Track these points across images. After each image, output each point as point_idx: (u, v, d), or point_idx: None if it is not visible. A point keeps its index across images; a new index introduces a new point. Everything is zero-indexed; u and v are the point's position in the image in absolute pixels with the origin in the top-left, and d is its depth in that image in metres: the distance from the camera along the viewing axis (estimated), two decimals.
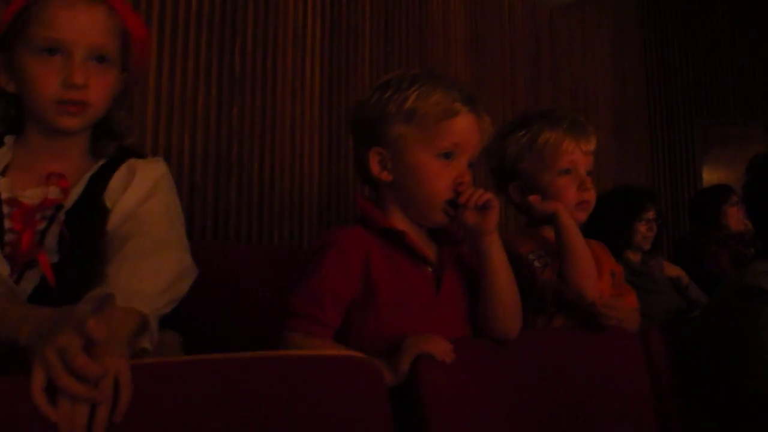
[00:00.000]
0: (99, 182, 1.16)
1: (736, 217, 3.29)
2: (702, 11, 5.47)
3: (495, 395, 1.14)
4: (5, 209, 1.10)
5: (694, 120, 5.35)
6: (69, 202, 1.13)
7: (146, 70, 1.28)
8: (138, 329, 0.92)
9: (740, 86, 5.48)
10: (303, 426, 0.87)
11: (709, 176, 5.23)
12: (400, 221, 1.26)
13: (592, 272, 1.47)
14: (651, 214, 2.81)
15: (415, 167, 1.23)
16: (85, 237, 1.10)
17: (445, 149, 1.23)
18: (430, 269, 1.25)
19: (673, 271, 2.90)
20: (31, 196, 1.12)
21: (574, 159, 1.59)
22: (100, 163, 1.20)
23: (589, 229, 1.93)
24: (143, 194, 1.15)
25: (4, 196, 1.11)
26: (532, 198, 1.58)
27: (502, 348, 1.23)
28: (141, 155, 1.25)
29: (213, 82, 2.37)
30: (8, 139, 1.19)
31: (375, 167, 1.26)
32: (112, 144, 1.22)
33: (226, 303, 1.80)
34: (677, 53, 5.41)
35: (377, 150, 1.25)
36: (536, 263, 1.53)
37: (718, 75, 5.45)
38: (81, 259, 1.09)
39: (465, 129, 1.25)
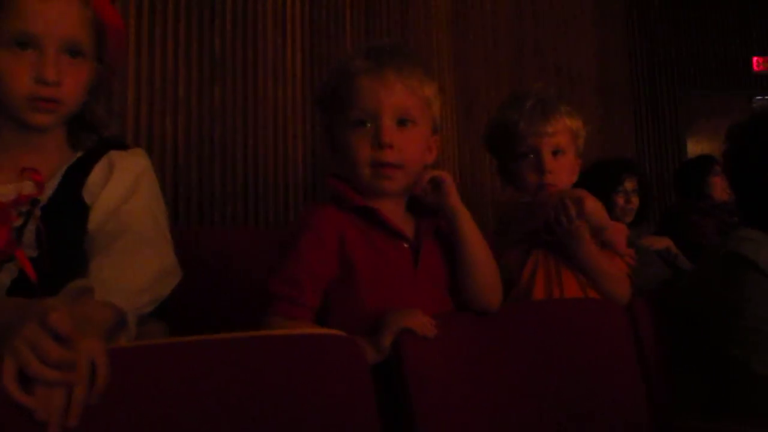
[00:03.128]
0: (77, 175, 1.14)
1: (720, 187, 3.31)
2: None
3: (480, 368, 1.14)
4: None
5: (678, 92, 5.37)
6: (45, 197, 1.11)
7: (123, 61, 1.26)
8: (115, 324, 0.90)
9: (723, 58, 5.50)
10: (284, 405, 0.87)
11: (694, 147, 5.26)
12: (368, 199, 1.24)
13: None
14: (629, 185, 2.81)
15: (340, 144, 1.24)
16: (62, 231, 1.09)
17: (356, 117, 1.21)
18: (406, 245, 1.24)
19: (661, 242, 2.91)
20: (5, 192, 1.09)
21: (531, 143, 1.57)
22: (79, 154, 1.18)
23: None
24: (124, 191, 1.13)
25: None
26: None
27: (486, 321, 1.23)
28: (122, 146, 1.22)
29: (193, 65, 2.34)
30: None
31: (330, 153, 1.29)
32: (90, 136, 1.20)
33: (211, 287, 1.80)
34: (660, 26, 5.41)
35: (329, 134, 1.28)
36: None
37: (701, 47, 5.46)
38: (59, 253, 1.08)
39: (366, 90, 1.21)
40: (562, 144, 1.58)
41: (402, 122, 1.22)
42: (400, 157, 1.21)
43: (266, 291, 1.15)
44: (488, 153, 1.78)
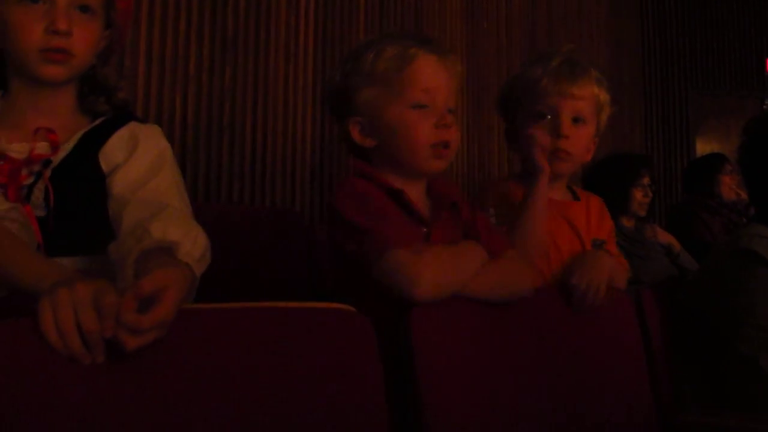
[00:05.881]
0: (94, 140, 1.14)
1: (728, 186, 3.31)
2: None
3: (487, 351, 1.14)
4: None
5: (689, 90, 5.34)
6: (58, 158, 1.11)
7: (129, 29, 1.28)
8: (192, 282, 0.91)
9: (735, 58, 5.47)
10: (292, 376, 0.87)
11: (703, 147, 5.24)
12: (395, 181, 1.25)
13: (540, 251, 1.38)
14: (646, 180, 2.82)
15: (392, 124, 1.24)
16: (72, 194, 1.09)
17: (417, 99, 1.23)
18: (424, 229, 1.25)
19: (666, 237, 2.91)
20: (17, 150, 1.10)
21: (552, 103, 1.46)
22: (97, 122, 1.18)
23: None
24: (150, 165, 1.13)
25: None
26: (536, 138, 1.43)
27: (493, 305, 1.22)
28: (137, 117, 1.23)
29: (205, 44, 2.33)
30: None
31: (356, 136, 1.27)
32: (101, 99, 1.21)
33: (218, 263, 1.79)
34: (674, 23, 5.39)
35: (355, 119, 1.27)
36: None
37: (714, 46, 5.43)
38: (67, 215, 1.08)
39: (430, 71, 1.24)
40: (584, 112, 1.47)
41: (449, 111, 1.26)
42: (454, 140, 1.25)
43: (368, 254, 1.12)
44: (496, 137, 1.71)
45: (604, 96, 1.51)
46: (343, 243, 1.16)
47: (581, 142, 1.49)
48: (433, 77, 1.24)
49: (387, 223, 1.14)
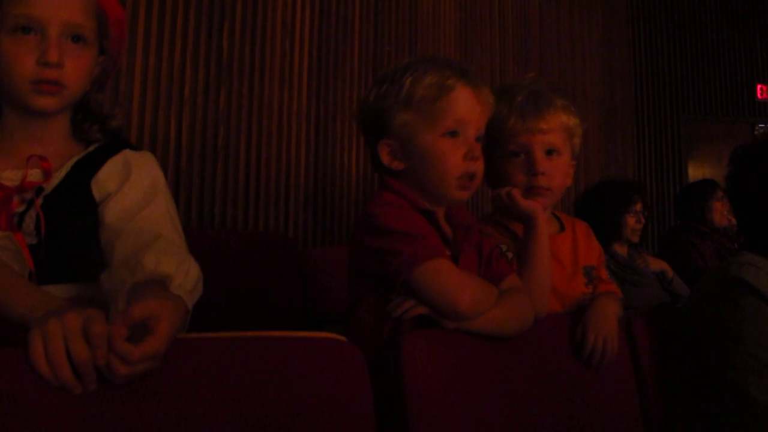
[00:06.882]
0: (87, 168, 1.14)
1: (720, 212, 3.33)
2: (690, 9, 5.51)
3: (476, 380, 1.14)
4: None
5: (681, 116, 5.39)
6: (50, 186, 1.11)
7: (124, 53, 1.28)
8: (185, 315, 0.91)
9: (727, 84, 5.52)
10: (282, 406, 0.87)
11: (695, 172, 5.28)
12: (422, 204, 1.28)
13: (548, 289, 1.40)
14: (639, 207, 2.83)
15: (423, 151, 1.25)
16: (63, 222, 1.09)
17: (449, 128, 1.25)
18: (448, 252, 1.26)
19: (658, 264, 2.92)
20: (10, 177, 1.10)
21: (523, 141, 1.46)
22: (90, 149, 1.18)
23: None
24: (143, 194, 1.13)
25: None
26: (506, 192, 1.46)
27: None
28: (130, 144, 1.23)
29: (200, 67, 2.35)
30: None
31: (385, 158, 1.28)
32: (94, 127, 1.21)
33: (212, 288, 1.79)
34: (665, 49, 5.45)
35: (385, 141, 1.28)
36: None
37: (706, 72, 5.49)
38: (59, 242, 1.07)
39: (464, 103, 1.26)
40: (556, 143, 1.47)
41: (477, 139, 1.29)
42: (479, 171, 1.28)
43: (397, 268, 1.13)
44: None
45: (573, 121, 1.51)
46: (375, 252, 1.17)
47: (558, 174, 1.49)
48: (466, 109, 1.26)
49: (427, 235, 1.18)
